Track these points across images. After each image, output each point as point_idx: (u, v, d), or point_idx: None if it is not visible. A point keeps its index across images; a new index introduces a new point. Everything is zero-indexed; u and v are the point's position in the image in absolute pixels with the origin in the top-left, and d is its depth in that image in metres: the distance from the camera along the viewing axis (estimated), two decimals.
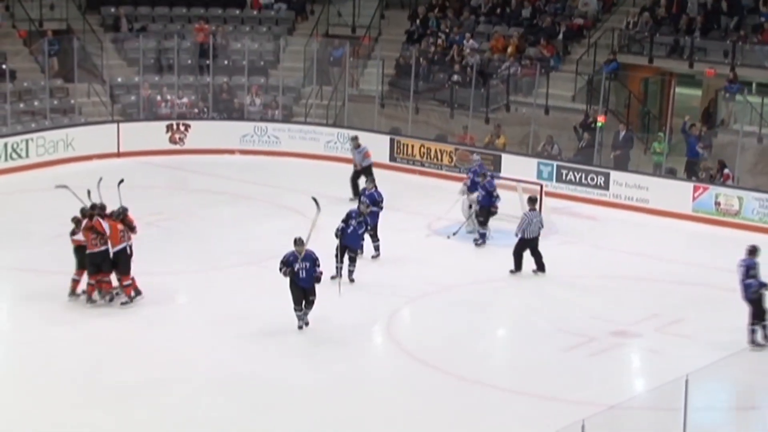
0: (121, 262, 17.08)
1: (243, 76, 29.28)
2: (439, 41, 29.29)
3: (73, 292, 17.23)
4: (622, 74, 26.92)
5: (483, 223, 20.83)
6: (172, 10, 31.86)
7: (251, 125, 28.28)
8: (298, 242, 16.17)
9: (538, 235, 19.38)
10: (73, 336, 16.29)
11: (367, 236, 19.06)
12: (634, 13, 28.13)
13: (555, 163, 24.85)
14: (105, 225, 16.91)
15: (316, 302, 16.36)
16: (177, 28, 30.97)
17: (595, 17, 28.88)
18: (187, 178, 26.21)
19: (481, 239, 20.83)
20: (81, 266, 17.12)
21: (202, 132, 28.08)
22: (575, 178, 24.55)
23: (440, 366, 15.55)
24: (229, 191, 24.55)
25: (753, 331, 16.23)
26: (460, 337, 16.69)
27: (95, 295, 17.10)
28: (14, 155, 25.47)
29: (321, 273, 16.30)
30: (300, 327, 16.29)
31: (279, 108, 29.01)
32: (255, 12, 32.48)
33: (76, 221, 17.07)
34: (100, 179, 18.00)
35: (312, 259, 16.17)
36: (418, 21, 30.44)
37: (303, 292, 16.19)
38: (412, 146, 26.81)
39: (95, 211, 17.05)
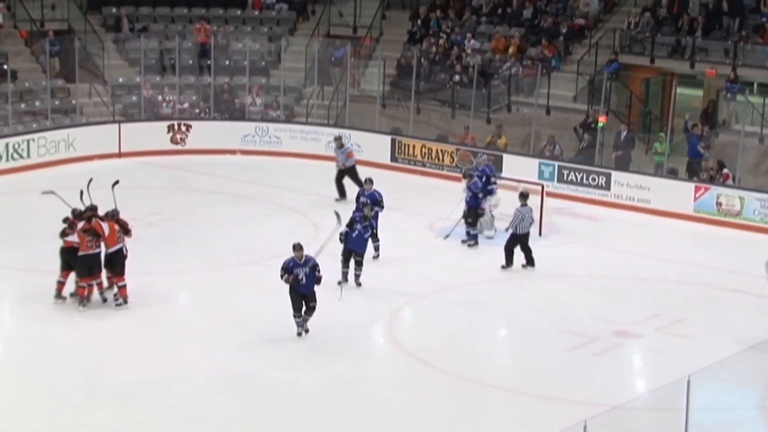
0: (117, 263, 17.02)
1: (244, 77, 29.26)
2: (441, 41, 29.27)
3: (59, 295, 17.15)
4: (624, 74, 26.89)
5: (472, 224, 20.77)
6: (173, 11, 31.85)
7: (252, 125, 28.27)
8: (297, 247, 15.97)
9: (529, 230, 19.48)
10: (74, 336, 16.27)
11: None
12: (635, 14, 28.11)
13: (556, 164, 24.83)
14: (105, 226, 16.89)
15: (316, 308, 16.19)
16: (178, 28, 30.96)
17: (597, 17, 28.86)
18: (188, 179, 26.20)
19: (473, 240, 20.76)
20: (67, 268, 17.03)
21: (204, 132, 28.07)
22: (576, 178, 24.53)
23: (441, 366, 15.54)
24: (230, 191, 24.54)
25: None
26: (461, 337, 16.67)
27: (90, 296, 17.03)
28: (15, 155, 25.46)
29: (321, 276, 16.13)
30: (299, 334, 16.11)
31: (280, 108, 29.00)
32: (256, 12, 32.47)
33: (70, 223, 16.96)
34: (90, 180, 18.00)
35: (312, 265, 15.97)
36: (419, 21, 30.42)
37: (303, 298, 16.01)
38: (414, 146, 26.79)
39: (91, 212, 16.99)
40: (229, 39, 30.78)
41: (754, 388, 15.48)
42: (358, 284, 18.28)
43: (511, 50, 28.27)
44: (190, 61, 29.98)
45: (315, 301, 16.08)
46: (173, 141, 27.84)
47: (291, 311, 16.15)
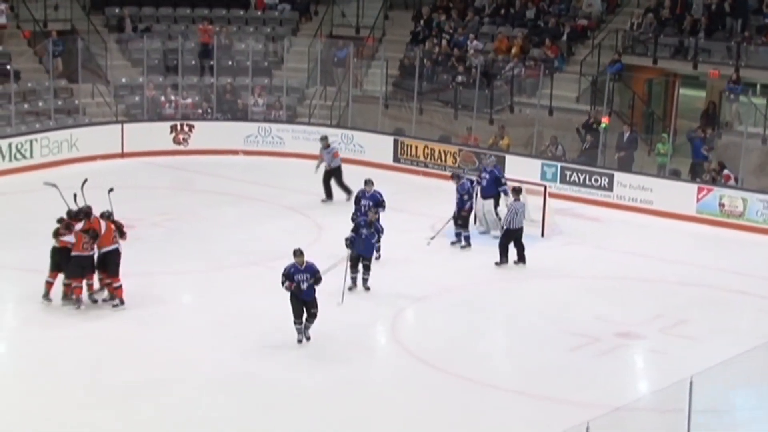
0: (111, 263, 16.98)
1: (247, 77, 29.26)
2: (443, 42, 29.26)
3: (47, 295, 17.11)
4: (626, 75, 26.88)
5: (464, 226, 20.72)
6: (176, 11, 31.86)
7: (255, 126, 28.28)
8: (298, 253, 15.75)
9: (522, 225, 19.52)
10: (74, 336, 16.26)
11: None
12: (638, 14, 28.10)
13: (559, 164, 24.82)
14: (103, 224, 16.88)
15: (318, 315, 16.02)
16: (181, 28, 30.97)
17: (600, 18, 28.85)
18: (191, 179, 26.20)
19: (465, 242, 20.69)
20: (57, 268, 16.97)
21: (206, 132, 28.08)
22: (579, 179, 24.51)
23: (443, 367, 15.52)
24: (232, 192, 24.54)
25: None
26: (463, 338, 16.66)
27: (88, 297, 17.03)
28: (18, 156, 25.47)
29: (321, 278, 15.89)
30: (299, 341, 15.89)
31: (283, 109, 29.00)
32: (259, 12, 32.48)
33: (66, 224, 16.89)
34: (85, 180, 18.01)
35: (313, 271, 15.76)
36: (422, 22, 30.42)
37: (304, 304, 15.79)
38: (416, 147, 26.79)
39: (87, 213, 16.98)
40: (232, 39, 30.79)
41: (757, 389, 15.43)
42: (367, 288, 18.15)
43: (513, 51, 28.26)
44: (193, 62, 29.99)
45: (316, 307, 15.88)
46: (176, 141, 27.85)
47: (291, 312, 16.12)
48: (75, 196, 17.53)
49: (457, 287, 18.82)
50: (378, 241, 18.48)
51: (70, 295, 16.98)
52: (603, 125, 24.99)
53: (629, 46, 27.64)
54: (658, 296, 18.65)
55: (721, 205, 22.90)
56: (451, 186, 21.20)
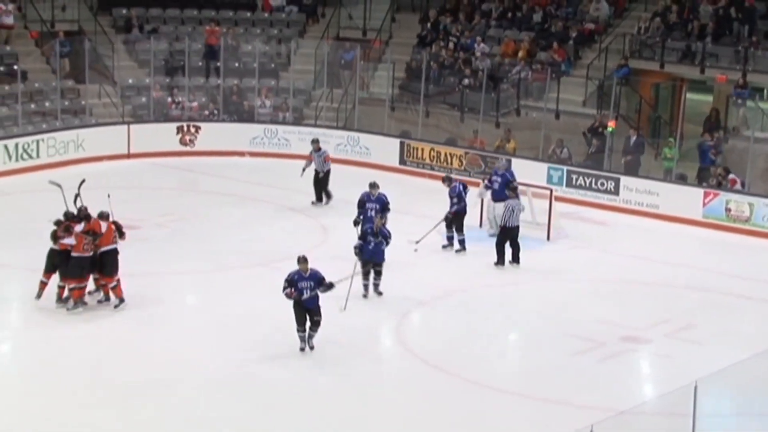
0: (108, 263, 16.92)
1: (253, 79, 29.28)
2: (450, 45, 29.25)
3: (40, 296, 17.09)
4: (633, 79, 26.87)
5: (458, 229, 20.66)
6: (183, 12, 31.90)
7: (261, 127, 28.30)
8: (302, 260, 15.50)
9: (519, 224, 19.54)
10: (74, 336, 16.25)
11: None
12: (645, 19, 28.08)
13: (565, 168, 24.81)
14: (103, 225, 16.88)
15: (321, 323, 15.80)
16: (188, 30, 31.00)
17: (607, 22, 28.82)
18: (197, 180, 26.24)
19: (459, 245, 20.59)
20: (52, 269, 16.92)
21: (213, 134, 28.11)
22: (585, 183, 24.49)
23: (447, 369, 15.50)
24: (238, 193, 24.56)
25: None
26: (468, 341, 16.64)
27: (86, 298, 17.02)
28: (25, 156, 25.51)
29: (331, 284, 15.66)
30: (302, 349, 15.65)
31: (289, 110, 29.01)
32: (266, 14, 32.49)
33: (65, 226, 16.78)
34: (83, 181, 18.01)
35: (317, 279, 15.49)
36: (429, 24, 30.42)
37: (307, 312, 15.56)
38: (422, 150, 26.78)
39: (86, 215, 16.97)
40: (239, 41, 30.81)
41: (762, 394, 15.40)
42: (379, 293, 18.02)
43: (520, 54, 28.25)
44: (200, 63, 30.01)
45: (320, 315, 15.57)
46: (182, 142, 27.87)
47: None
48: (76, 197, 17.54)
49: (462, 290, 18.79)
50: (387, 245, 18.23)
51: (65, 298, 16.91)
52: (609, 129, 24.97)
53: (636, 51, 27.62)
54: (663, 300, 18.63)
55: (728, 209, 22.86)
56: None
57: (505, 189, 21.03)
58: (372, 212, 19.40)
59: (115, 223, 17.21)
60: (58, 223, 16.94)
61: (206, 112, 28.94)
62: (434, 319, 17.72)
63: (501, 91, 27.80)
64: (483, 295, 18.70)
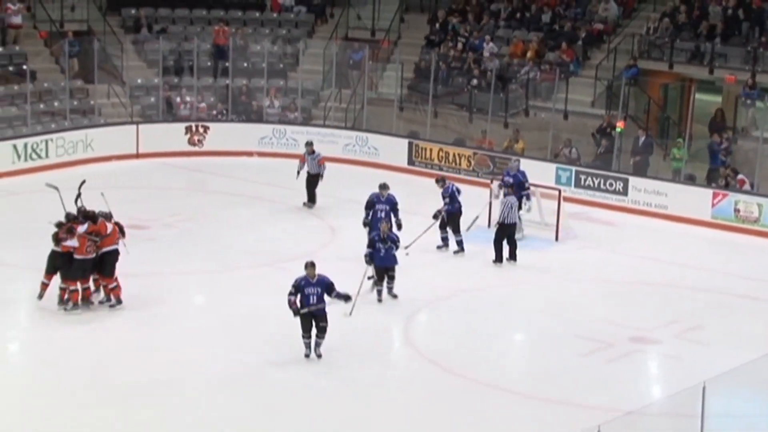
0: (108, 263, 16.89)
1: (262, 79, 29.31)
2: (459, 45, 29.24)
3: (41, 296, 17.08)
4: (642, 80, 26.83)
5: (456, 230, 20.58)
6: (192, 12, 31.94)
7: (270, 128, 28.31)
8: (310, 266, 15.33)
9: (516, 221, 19.61)
10: (75, 336, 16.27)
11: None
12: (654, 19, 28.04)
13: (573, 169, 24.78)
14: (109, 226, 16.89)
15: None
16: (197, 30, 31.04)
17: (616, 22, 28.79)
18: (206, 180, 26.28)
19: (458, 246, 20.50)
20: (53, 271, 16.91)
21: (221, 134, 28.14)
22: (594, 183, 24.47)
23: (455, 369, 15.50)
24: (246, 193, 24.58)
25: None
26: (475, 341, 16.63)
27: (89, 298, 17.04)
28: (34, 155, 25.56)
29: (346, 296, 15.67)
30: (307, 356, 15.38)
31: (298, 110, 29.02)
32: (275, 14, 32.51)
33: (68, 228, 16.74)
34: (83, 182, 18.03)
35: (325, 284, 15.29)
36: (437, 25, 30.41)
37: (313, 318, 15.36)
38: (431, 150, 26.78)
39: (92, 216, 16.95)
40: (248, 41, 30.83)
41: None
42: (394, 296, 17.97)
43: (529, 54, 28.22)
44: (209, 63, 30.05)
45: (326, 321, 15.34)
46: (191, 142, 27.90)
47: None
48: (77, 197, 17.55)
49: (470, 290, 18.78)
50: (397, 249, 18.04)
51: (66, 300, 16.90)
52: (618, 129, 24.94)
53: (645, 51, 27.57)
54: (671, 301, 18.61)
55: (737, 210, 22.82)
56: (466, 189, 21.18)
57: (517, 190, 20.92)
58: (382, 213, 19.33)
59: (116, 223, 17.22)
60: (59, 224, 16.90)
61: (215, 113, 28.97)
62: (440, 321, 17.70)
63: (510, 92, 27.79)
64: (489, 295, 18.69)
